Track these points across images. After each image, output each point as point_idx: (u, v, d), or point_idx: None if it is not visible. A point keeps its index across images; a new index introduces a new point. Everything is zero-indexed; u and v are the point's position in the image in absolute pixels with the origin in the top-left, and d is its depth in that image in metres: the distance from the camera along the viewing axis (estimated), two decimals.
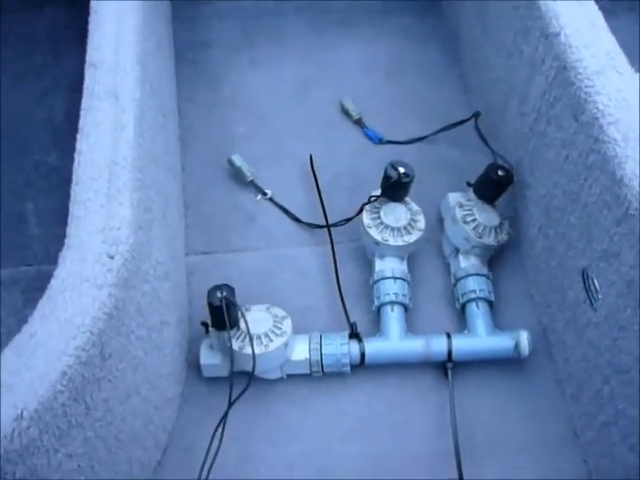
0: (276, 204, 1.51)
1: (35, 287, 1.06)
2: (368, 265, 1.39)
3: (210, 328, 1.21)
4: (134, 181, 1.03)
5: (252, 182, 1.53)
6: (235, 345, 1.18)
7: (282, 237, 1.47)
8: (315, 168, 1.49)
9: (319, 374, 1.25)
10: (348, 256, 1.42)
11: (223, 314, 1.14)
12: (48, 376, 0.83)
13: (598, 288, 1.07)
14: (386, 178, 1.31)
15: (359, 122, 1.63)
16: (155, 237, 1.11)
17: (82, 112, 1.09)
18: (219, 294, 1.15)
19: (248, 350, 1.16)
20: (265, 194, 1.52)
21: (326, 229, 1.40)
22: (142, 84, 1.18)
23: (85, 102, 1.11)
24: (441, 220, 1.44)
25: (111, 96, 1.11)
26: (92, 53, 1.17)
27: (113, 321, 0.91)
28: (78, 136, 1.06)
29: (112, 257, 0.93)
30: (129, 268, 0.95)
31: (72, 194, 1.00)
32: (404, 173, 1.30)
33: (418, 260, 1.40)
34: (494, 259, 1.38)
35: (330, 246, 1.38)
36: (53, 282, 0.91)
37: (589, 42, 1.10)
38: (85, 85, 1.13)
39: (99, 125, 1.07)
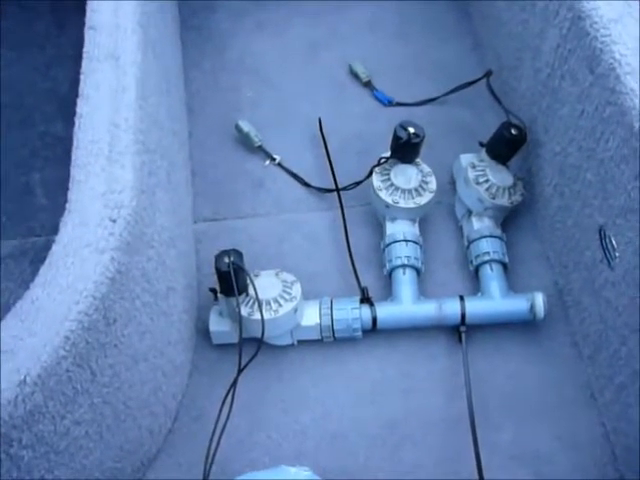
0: (285, 169, 1.48)
1: (43, 258, 1.06)
2: (379, 229, 1.36)
3: (219, 294, 1.19)
4: (136, 144, 1.01)
5: (260, 147, 1.50)
6: (244, 311, 1.16)
7: (291, 202, 1.45)
8: (324, 131, 1.46)
9: (330, 339, 1.23)
10: (358, 220, 1.39)
11: (231, 279, 1.12)
12: (51, 341, 0.81)
13: (615, 246, 1.04)
14: (396, 139, 1.28)
15: (368, 84, 1.59)
16: (160, 202, 1.09)
17: (82, 76, 1.07)
18: (226, 259, 1.13)
19: (257, 316, 1.14)
20: (274, 159, 1.49)
21: (336, 193, 1.38)
22: (144, 47, 1.15)
23: (85, 65, 1.08)
24: (453, 182, 1.41)
25: (111, 58, 1.08)
26: (91, 15, 1.14)
27: (116, 286, 0.90)
28: (78, 100, 1.04)
29: (114, 221, 0.91)
30: (132, 232, 0.93)
31: (73, 158, 0.98)
32: (414, 133, 1.27)
33: (430, 223, 1.37)
34: (508, 220, 1.35)
35: (340, 210, 1.36)
36: (54, 247, 0.90)
37: None
38: (85, 48, 1.10)
39: (99, 87, 1.04)
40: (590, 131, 1.07)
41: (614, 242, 1.04)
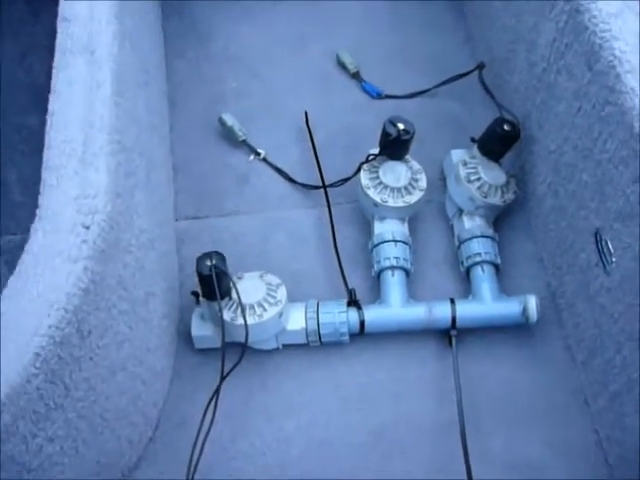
0: (270, 164, 1.43)
1: (19, 257, 1.02)
2: (367, 227, 1.32)
3: (201, 298, 1.15)
4: (112, 144, 0.95)
5: (244, 142, 1.45)
6: (227, 316, 1.12)
7: (276, 199, 1.40)
8: (310, 125, 1.41)
9: (316, 344, 1.19)
10: (346, 218, 1.35)
11: (213, 284, 1.08)
12: (20, 358, 0.77)
13: (612, 251, 1.00)
14: (385, 135, 1.23)
15: (356, 76, 1.54)
16: (138, 204, 1.04)
17: (54, 70, 1.01)
18: (208, 262, 1.09)
19: (240, 321, 1.10)
20: (258, 154, 1.44)
21: (322, 190, 1.33)
22: (120, 39, 1.09)
23: (58, 59, 1.02)
24: (444, 179, 1.36)
25: (85, 52, 1.03)
26: (64, 5, 1.08)
27: (91, 296, 0.85)
28: (50, 96, 0.99)
29: (87, 228, 0.86)
30: (107, 239, 0.88)
31: (44, 159, 0.93)
32: (404, 130, 1.22)
33: (420, 222, 1.33)
34: (500, 219, 1.30)
35: (327, 208, 1.31)
36: (24, 257, 0.85)
37: None
38: (57, 41, 1.04)
39: (72, 83, 0.99)
40: (587, 130, 1.03)
41: (611, 247, 1.00)
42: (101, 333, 0.90)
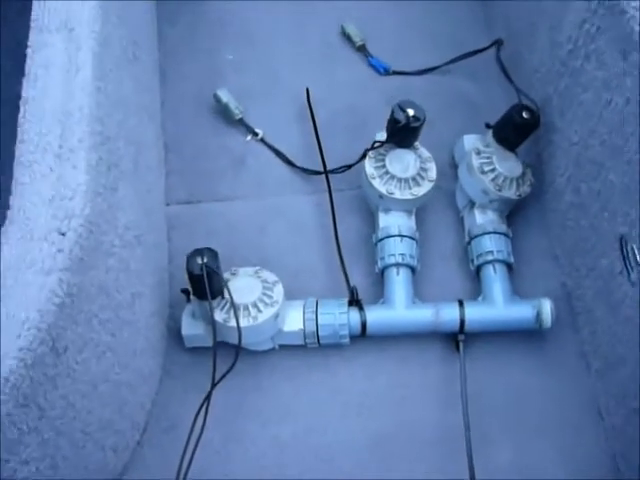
0: (268, 145, 1.34)
1: None
2: (370, 217, 1.24)
3: (191, 296, 1.07)
4: (92, 136, 0.86)
5: (241, 120, 1.35)
6: (219, 316, 1.04)
7: (274, 184, 1.31)
8: (312, 103, 1.31)
9: (315, 345, 1.12)
10: (348, 206, 1.26)
11: (204, 283, 1.00)
12: None
13: (639, 260, 0.92)
14: (393, 122, 1.14)
15: (362, 49, 1.43)
16: (122, 198, 0.95)
17: (29, 50, 0.91)
18: (199, 261, 1.01)
19: (233, 322, 1.03)
20: (256, 134, 1.35)
21: (324, 176, 1.24)
22: (104, 13, 0.99)
23: (33, 37, 0.92)
24: (454, 165, 1.27)
25: (64, 29, 0.92)
26: None
27: (67, 311, 0.77)
28: (24, 81, 0.89)
29: (63, 234, 0.78)
30: (85, 245, 0.80)
31: (17, 154, 0.84)
32: (414, 116, 1.12)
33: (427, 212, 1.25)
34: (513, 212, 1.22)
35: (328, 194, 1.22)
36: None
37: None
38: (33, 16, 0.94)
39: (49, 66, 0.89)
40: (617, 125, 0.94)
41: (638, 255, 0.92)
42: (79, 348, 0.82)
